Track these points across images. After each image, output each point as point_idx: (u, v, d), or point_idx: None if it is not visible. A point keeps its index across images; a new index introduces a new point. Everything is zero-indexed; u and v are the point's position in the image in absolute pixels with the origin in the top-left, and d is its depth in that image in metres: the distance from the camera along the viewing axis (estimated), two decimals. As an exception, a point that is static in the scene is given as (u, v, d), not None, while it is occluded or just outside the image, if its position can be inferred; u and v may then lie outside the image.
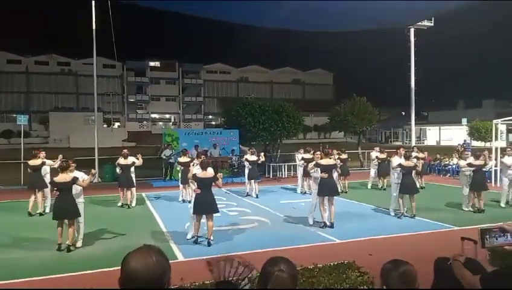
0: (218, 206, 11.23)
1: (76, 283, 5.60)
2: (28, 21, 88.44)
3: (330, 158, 9.01)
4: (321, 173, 8.60)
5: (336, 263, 5.56)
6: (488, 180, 14.71)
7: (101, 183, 16.82)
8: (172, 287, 4.29)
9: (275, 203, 11.89)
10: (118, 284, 1.52)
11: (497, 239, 2.42)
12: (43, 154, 10.74)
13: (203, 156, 8.58)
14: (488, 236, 2.43)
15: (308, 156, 13.44)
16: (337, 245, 7.48)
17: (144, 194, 13.77)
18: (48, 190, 10.59)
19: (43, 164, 10.58)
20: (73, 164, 7.77)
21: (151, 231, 8.64)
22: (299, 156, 13.94)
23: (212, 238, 7.50)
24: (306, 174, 13.22)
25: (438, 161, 19.50)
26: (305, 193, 13.37)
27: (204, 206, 7.45)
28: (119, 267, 1.53)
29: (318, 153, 9.23)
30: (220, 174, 7.60)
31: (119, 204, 11.58)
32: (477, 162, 10.26)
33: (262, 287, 1.78)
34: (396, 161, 9.97)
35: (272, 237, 7.89)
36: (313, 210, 8.99)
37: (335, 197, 8.88)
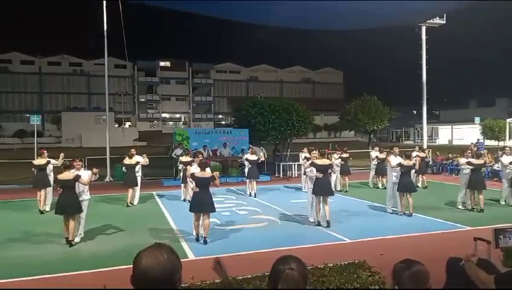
0: (228, 205, 11.43)
1: (87, 281, 5.67)
2: (40, 22, 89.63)
3: (326, 158, 9.10)
4: (317, 172, 8.66)
5: (346, 263, 5.53)
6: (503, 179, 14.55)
7: (112, 182, 16.99)
8: (183, 285, 4.32)
9: (285, 202, 11.87)
10: (130, 281, 1.53)
11: (511, 239, 2.40)
12: (45, 153, 11.02)
13: (200, 155, 8.64)
14: (501, 236, 2.41)
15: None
16: (348, 245, 7.44)
17: (154, 193, 13.86)
18: (50, 189, 10.88)
19: (48, 163, 10.88)
20: (79, 162, 8.06)
21: (162, 229, 8.70)
22: (303, 155, 13.95)
23: (207, 236, 7.49)
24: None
25: (451, 161, 19.27)
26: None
27: (202, 205, 7.52)
28: (131, 265, 1.55)
29: (314, 152, 9.27)
30: (216, 173, 7.71)
31: (129, 203, 11.67)
32: (477, 161, 10.26)
33: (272, 285, 1.78)
34: (394, 160, 10.01)
35: (281, 236, 7.88)
36: (311, 208, 9.13)
37: (337, 194, 9.15)
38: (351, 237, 7.80)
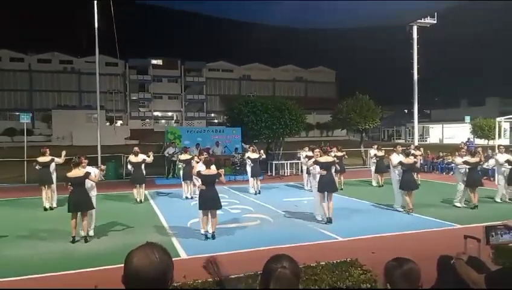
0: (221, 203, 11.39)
1: (79, 280, 5.63)
2: (30, 19, 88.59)
3: (329, 155, 9.20)
4: (320, 170, 8.78)
5: (338, 261, 5.55)
6: (492, 178, 14.73)
7: (103, 180, 16.85)
8: (175, 284, 4.30)
9: (277, 200, 11.89)
10: (121, 281, 1.52)
11: (502, 236, 2.42)
12: (48, 151, 11.15)
13: (205, 154, 8.74)
14: (493, 233, 2.42)
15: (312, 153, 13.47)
16: (340, 243, 7.47)
17: (146, 192, 13.77)
18: (54, 186, 11.03)
19: (52, 160, 10.99)
20: (85, 160, 8.13)
21: (154, 228, 8.66)
22: (304, 153, 14.00)
23: (215, 231, 7.73)
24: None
25: (441, 159, 19.45)
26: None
27: (209, 201, 7.65)
28: (122, 265, 1.53)
29: (317, 150, 9.36)
30: (221, 170, 7.90)
31: (138, 200, 11.72)
32: (473, 160, 10.47)
33: (264, 284, 1.77)
34: (396, 158, 10.15)
35: (274, 235, 7.90)
36: (319, 206, 9.13)
37: (334, 193, 9.11)
38: (343, 236, 7.83)
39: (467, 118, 30.54)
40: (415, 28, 21.87)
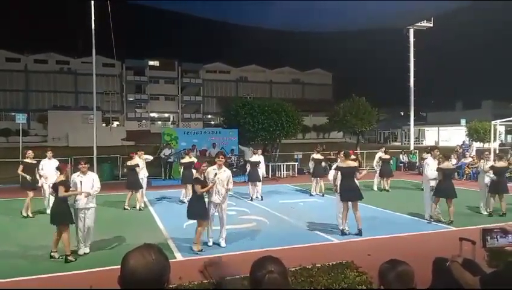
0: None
1: (74, 281, 5.60)
2: (27, 19, 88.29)
3: (352, 160, 8.29)
4: (341, 176, 7.98)
5: (334, 263, 5.57)
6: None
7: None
8: (171, 286, 4.30)
9: (274, 203, 11.89)
10: (118, 282, 1.52)
11: (498, 240, 2.43)
12: (30, 153, 10.33)
13: (222, 157, 8.12)
14: (489, 237, 2.43)
15: (318, 156, 13.28)
16: (336, 245, 7.48)
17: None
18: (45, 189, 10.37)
19: (38, 162, 10.31)
20: (85, 165, 7.20)
21: (150, 230, 8.63)
22: (311, 156, 13.70)
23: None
24: (316, 175, 13.09)
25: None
26: (323, 195, 12.98)
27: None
28: (119, 266, 1.53)
29: (341, 154, 8.40)
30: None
31: (127, 208, 10.92)
32: (500, 164, 9.74)
33: None
34: (433, 163, 9.15)
35: (270, 237, 7.89)
36: (340, 215, 8.30)
37: (359, 200, 8.17)
38: (338, 238, 7.85)
39: (463, 121, 30.71)
40: (411, 31, 22.00)
